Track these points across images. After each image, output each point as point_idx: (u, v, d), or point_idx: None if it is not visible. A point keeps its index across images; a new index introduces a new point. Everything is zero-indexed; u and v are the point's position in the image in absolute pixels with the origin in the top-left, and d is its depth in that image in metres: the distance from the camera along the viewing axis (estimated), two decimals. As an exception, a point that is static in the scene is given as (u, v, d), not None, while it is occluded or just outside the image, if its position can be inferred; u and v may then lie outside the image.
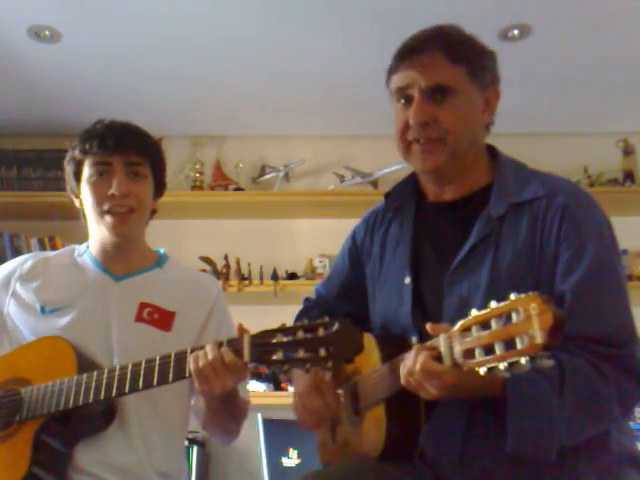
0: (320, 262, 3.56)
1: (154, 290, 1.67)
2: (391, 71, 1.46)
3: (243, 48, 3.02)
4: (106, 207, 1.61)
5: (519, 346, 0.96)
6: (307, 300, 1.76)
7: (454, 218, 1.45)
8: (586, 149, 3.67)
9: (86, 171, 1.65)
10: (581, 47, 3.02)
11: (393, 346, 1.34)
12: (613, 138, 3.62)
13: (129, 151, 1.63)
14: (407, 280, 1.46)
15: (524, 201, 1.38)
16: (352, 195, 3.52)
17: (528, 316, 0.96)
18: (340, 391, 1.52)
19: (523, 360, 0.96)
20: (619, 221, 3.70)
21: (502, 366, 0.99)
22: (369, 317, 1.58)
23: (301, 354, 1.25)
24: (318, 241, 3.58)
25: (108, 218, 1.61)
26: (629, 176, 3.60)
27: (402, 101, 1.43)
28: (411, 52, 1.42)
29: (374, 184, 3.57)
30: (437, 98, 1.39)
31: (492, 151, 1.52)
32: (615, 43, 3.00)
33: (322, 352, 1.24)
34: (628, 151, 3.62)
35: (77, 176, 1.67)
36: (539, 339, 0.94)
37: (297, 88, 3.33)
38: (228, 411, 1.58)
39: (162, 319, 1.63)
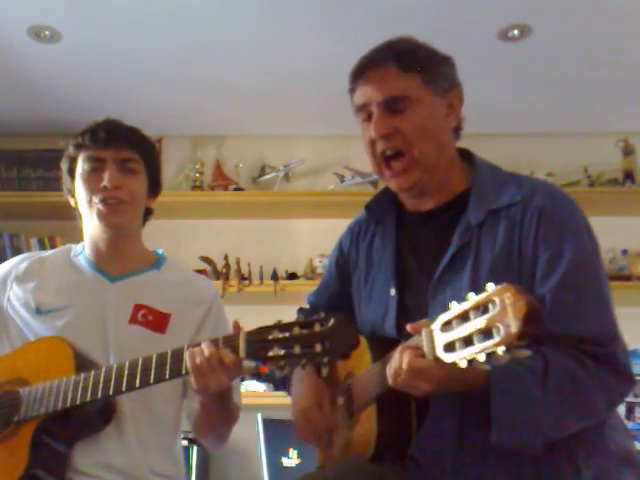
0: (320, 262, 3.56)
1: (150, 291, 1.67)
2: (351, 90, 1.47)
3: (243, 48, 3.02)
4: (97, 199, 1.61)
5: (495, 336, 0.97)
6: (301, 310, 1.76)
7: (434, 227, 1.46)
8: (586, 149, 3.67)
9: (79, 166, 1.66)
10: (581, 47, 3.02)
11: (384, 347, 1.34)
12: (613, 138, 3.62)
13: (121, 146, 1.64)
14: (392, 292, 1.47)
15: (501, 207, 1.38)
16: (352, 195, 3.51)
17: (503, 306, 0.97)
18: (337, 398, 1.53)
19: (500, 351, 0.97)
20: (619, 221, 3.73)
21: (481, 358, 1.00)
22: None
23: (297, 350, 1.26)
24: (318, 241, 3.57)
25: (99, 206, 1.61)
26: (629, 176, 3.60)
27: (364, 118, 1.45)
28: (365, 69, 1.44)
29: (374, 184, 3.57)
30: (395, 109, 1.40)
31: (467, 156, 1.51)
32: (615, 43, 2.99)
33: (318, 348, 1.25)
34: (628, 151, 3.62)
35: (71, 173, 1.68)
36: (514, 328, 0.95)
37: (297, 88, 3.33)
38: (221, 412, 1.58)
39: (157, 321, 1.62)
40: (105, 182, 1.60)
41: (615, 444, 1.34)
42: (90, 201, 1.63)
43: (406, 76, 1.40)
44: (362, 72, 1.44)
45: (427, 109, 1.41)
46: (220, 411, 1.57)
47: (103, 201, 1.61)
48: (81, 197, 1.65)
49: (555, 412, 1.22)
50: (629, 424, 3.08)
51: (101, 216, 1.62)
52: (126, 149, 1.64)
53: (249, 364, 1.33)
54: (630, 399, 3.17)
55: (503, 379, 1.19)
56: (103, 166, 1.63)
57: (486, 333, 0.99)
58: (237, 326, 1.36)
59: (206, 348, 1.33)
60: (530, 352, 0.99)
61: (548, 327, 1.17)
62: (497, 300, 0.98)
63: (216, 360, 1.32)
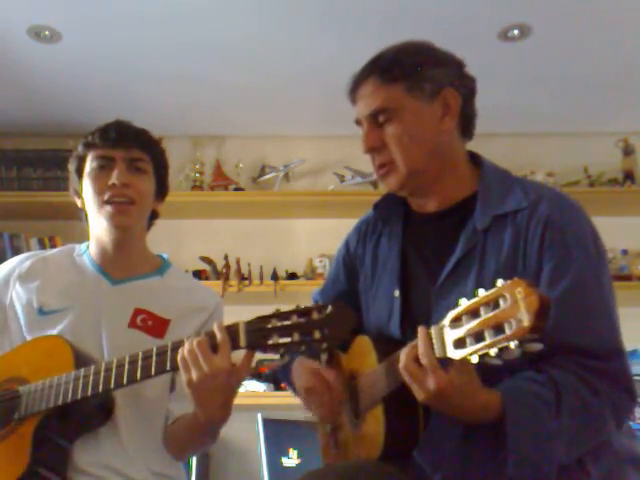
0: (320, 262, 3.56)
1: (151, 297, 1.66)
2: (353, 104, 1.51)
3: (243, 48, 3.02)
4: (106, 197, 1.60)
5: (507, 331, 0.98)
6: None
7: (440, 229, 1.46)
8: (586, 149, 3.67)
9: (87, 165, 1.65)
10: (581, 47, 3.02)
11: (389, 347, 1.34)
12: (613, 138, 3.63)
13: (131, 145, 1.64)
14: (396, 293, 1.47)
15: (507, 212, 1.38)
16: (352, 195, 3.53)
17: (515, 301, 0.98)
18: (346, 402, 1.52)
19: (512, 344, 0.97)
20: (619, 221, 3.73)
21: (493, 352, 1.00)
22: (364, 326, 1.57)
23: (296, 337, 1.27)
24: (318, 241, 3.58)
25: (108, 207, 1.60)
26: (629, 176, 3.60)
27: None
28: (354, 86, 1.48)
29: (374, 184, 3.57)
30: (380, 121, 1.43)
31: (476, 158, 1.51)
32: (614, 43, 3.00)
33: (317, 334, 1.26)
34: (628, 151, 3.62)
35: (79, 172, 1.67)
36: (526, 322, 0.95)
37: (297, 88, 3.33)
38: (206, 435, 1.56)
39: (156, 326, 1.62)
40: (114, 180, 1.60)
41: (620, 445, 1.33)
42: (98, 200, 1.61)
43: (388, 87, 1.42)
44: (353, 89, 1.49)
45: (413, 117, 1.42)
46: (206, 433, 1.55)
47: (111, 200, 1.60)
48: (88, 196, 1.64)
49: (569, 439, 1.22)
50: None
51: (109, 216, 1.61)
52: (136, 149, 1.64)
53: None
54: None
55: (519, 414, 1.18)
56: (112, 165, 1.62)
57: (497, 328, 0.99)
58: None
59: (194, 338, 1.34)
60: (541, 345, 1.00)
61: (550, 336, 1.17)
62: (508, 295, 0.98)
63: (203, 346, 1.32)
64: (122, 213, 1.61)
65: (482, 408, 1.20)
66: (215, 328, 1.34)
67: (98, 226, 1.66)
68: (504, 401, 1.19)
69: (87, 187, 1.64)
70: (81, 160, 1.67)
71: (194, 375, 1.32)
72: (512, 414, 1.19)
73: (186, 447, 1.62)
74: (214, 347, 1.33)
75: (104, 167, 1.63)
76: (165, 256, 1.78)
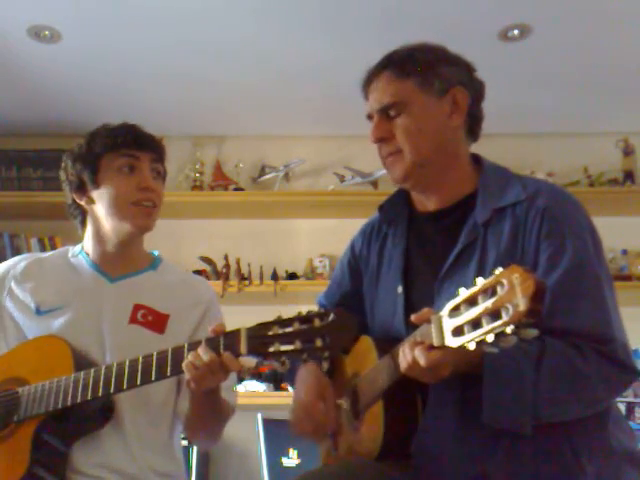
0: (320, 262, 3.56)
1: (148, 292, 1.67)
2: (365, 99, 1.55)
3: (243, 48, 3.03)
4: (135, 199, 1.62)
5: (504, 316, 0.98)
6: None
7: (442, 226, 1.48)
8: (586, 149, 3.68)
9: (110, 165, 1.64)
10: (581, 47, 3.03)
11: (390, 345, 1.35)
12: (613, 138, 3.63)
13: (154, 151, 1.68)
14: (399, 289, 1.49)
15: (506, 205, 1.41)
16: (352, 195, 3.53)
17: (511, 286, 0.98)
18: (342, 400, 1.53)
19: (508, 329, 0.98)
20: (619, 221, 3.74)
21: (489, 339, 1.00)
22: (368, 327, 1.58)
23: (298, 345, 1.27)
24: (318, 241, 3.58)
25: (136, 209, 1.62)
26: (629, 176, 3.60)
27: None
28: (367, 81, 1.53)
29: (374, 184, 3.57)
30: (390, 115, 1.47)
31: (478, 159, 1.54)
32: (615, 43, 3.00)
33: (318, 342, 1.26)
34: (628, 151, 3.63)
35: (94, 172, 1.65)
36: (522, 306, 0.95)
37: (297, 88, 3.33)
38: (212, 407, 1.57)
39: (156, 321, 1.63)
40: (148, 183, 1.63)
41: (618, 443, 1.34)
42: (123, 201, 1.62)
43: (399, 82, 1.46)
44: (365, 85, 1.54)
45: (422, 111, 1.45)
46: (211, 406, 1.57)
47: (141, 202, 1.63)
48: (111, 196, 1.63)
49: (549, 395, 1.24)
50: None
51: (136, 218, 1.62)
52: (157, 155, 1.69)
53: (249, 363, 1.33)
54: (630, 399, 3.17)
55: (496, 359, 1.20)
56: (139, 166, 1.64)
57: (494, 315, 1.00)
58: (220, 329, 1.36)
59: (205, 354, 1.34)
60: (537, 331, 1.00)
61: (546, 323, 1.18)
62: (505, 281, 0.99)
63: (216, 365, 1.33)
64: (149, 216, 1.65)
65: (465, 362, 1.22)
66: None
67: (111, 225, 1.65)
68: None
69: (112, 187, 1.63)
70: (97, 158, 1.65)
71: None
72: (490, 359, 1.21)
73: (205, 425, 1.64)
74: (216, 349, 1.34)
75: (132, 167, 1.64)
76: (156, 253, 1.80)
